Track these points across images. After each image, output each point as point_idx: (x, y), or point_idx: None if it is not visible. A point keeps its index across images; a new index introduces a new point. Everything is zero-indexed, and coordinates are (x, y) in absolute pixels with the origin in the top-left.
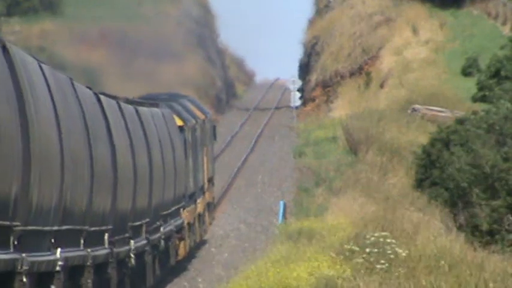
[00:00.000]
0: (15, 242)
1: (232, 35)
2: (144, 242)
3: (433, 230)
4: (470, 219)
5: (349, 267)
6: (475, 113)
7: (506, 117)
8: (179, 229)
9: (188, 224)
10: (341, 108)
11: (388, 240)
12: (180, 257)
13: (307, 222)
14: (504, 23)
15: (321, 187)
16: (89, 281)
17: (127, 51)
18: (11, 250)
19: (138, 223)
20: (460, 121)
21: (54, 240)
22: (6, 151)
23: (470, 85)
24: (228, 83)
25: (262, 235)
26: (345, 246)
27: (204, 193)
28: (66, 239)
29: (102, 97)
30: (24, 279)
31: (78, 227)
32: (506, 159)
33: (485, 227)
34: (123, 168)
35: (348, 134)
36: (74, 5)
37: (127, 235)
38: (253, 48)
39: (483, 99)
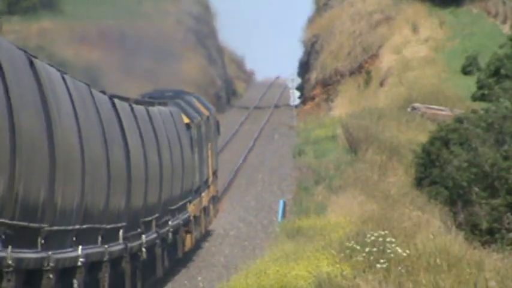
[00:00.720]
0: (42, 242)
1: (232, 34)
2: (154, 236)
3: (432, 229)
4: (469, 218)
5: (349, 265)
6: (474, 111)
7: (506, 116)
8: (186, 222)
9: (194, 217)
10: (341, 107)
11: (388, 239)
12: (186, 249)
13: (306, 220)
14: (504, 22)
15: (320, 186)
16: (106, 275)
17: (126, 50)
18: (39, 249)
19: (149, 218)
20: (460, 120)
21: (76, 238)
22: (35, 160)
23: (470, 84)
24: (227, 82)
25: (262, 234)
26: (345, 244)
27: (208, 186)
28: (86, 237)
29: (116, 101)
30: (51, 276)
31: (96, 226)
32: (506, 158)
33: (484, 225)
34: (136, 168)
35: (348, 132)
36: (73, 3)
37: (139, 230)
38: (253, 46)
39: (483, 97)
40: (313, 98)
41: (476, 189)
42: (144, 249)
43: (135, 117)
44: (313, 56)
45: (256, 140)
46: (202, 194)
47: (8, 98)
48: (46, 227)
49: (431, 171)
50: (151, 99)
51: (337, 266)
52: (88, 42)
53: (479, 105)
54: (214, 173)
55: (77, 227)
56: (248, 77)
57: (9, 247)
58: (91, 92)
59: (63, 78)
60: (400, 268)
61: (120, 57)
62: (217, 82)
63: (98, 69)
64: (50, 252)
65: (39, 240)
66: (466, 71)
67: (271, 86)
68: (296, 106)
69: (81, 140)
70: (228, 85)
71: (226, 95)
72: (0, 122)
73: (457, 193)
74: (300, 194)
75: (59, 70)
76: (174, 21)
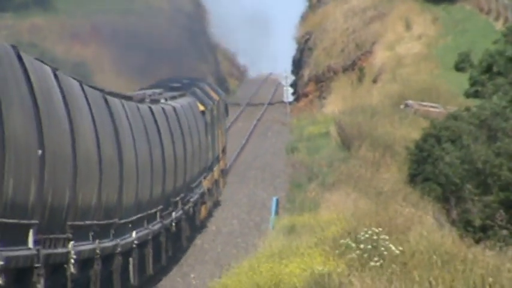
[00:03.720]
0: (113, 232)
1: (224, 30)
2: (180, 212)
3: (425, 226)
4: (462, 215)
5: (343, 263)
6: (467, 108)
7: (497, 113)
8: (202, 195)
9: (208, 189)
10: (334, 104)
11: (382, 236)
12: (202, 218)
13: (300, 217)
14: (497, 19)
15: (313, 183)
16: (150, 250)
17: (118, 46)
18: (111, 238)
19: (176, 199)
20: (453, 117)
21: (131, 226)
22: (112, 174)
23: (462, 80)
24: (220, 79)
25: (255, 231)
26: (339, 241)
27: (219, 162)
28: (137, 224)
29: (153, 108)
30: (120, 258)
31: (145, 214)
32: (498, 155)
33: (477, 222)
34: (169, 161)
35: (341, 129)
36: (65, 0)
37: (170, 209)
38: (246, 43)
39: (476, 94)
40: (306, 95)
41: (468, 186)
42: (173, 224)
43: (167, 118)
44: (306, 53)
45: (249, 137)
46: (214, 169)
47: (96, 132)
48: (117, 221)
49: (424, 168)
50: (174, 92)
51: (331, 263)
52: (80, 39)
53: (472, 102)
54: (223, 150)
55: (133, 218)
56: (241, 73)
57: (97, 241)
58: (138, 109)
59: (123, 106)
60: (394, 265)
61: (111, 53)
62: (208, 79)
63: (90, 65)
64: (118, 240)
65: (111, 231)
66: (458, 68)
67: (264, 83)
68: (289, 103)
69: (136, 153)
70: (221, 82)
71: None
72: (92, 151)
73: (450, 190)
74: (293, 191)
75: (119, 97)
76: (166, 18)
